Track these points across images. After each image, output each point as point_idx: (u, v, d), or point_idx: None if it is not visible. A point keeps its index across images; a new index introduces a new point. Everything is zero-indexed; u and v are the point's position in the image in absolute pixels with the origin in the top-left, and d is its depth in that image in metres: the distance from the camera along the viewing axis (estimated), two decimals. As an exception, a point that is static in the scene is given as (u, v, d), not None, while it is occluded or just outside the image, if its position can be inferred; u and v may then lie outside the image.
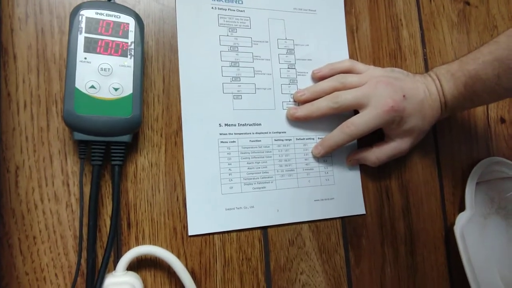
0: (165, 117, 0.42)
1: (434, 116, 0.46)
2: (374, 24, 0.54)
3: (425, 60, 0.56)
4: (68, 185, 0.38)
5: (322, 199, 0.47)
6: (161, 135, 0.42)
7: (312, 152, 0.47)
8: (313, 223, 0.47)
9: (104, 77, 0.35)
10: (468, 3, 0.61)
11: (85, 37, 0.35)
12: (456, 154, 0.56)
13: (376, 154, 0.47)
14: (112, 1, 0.38)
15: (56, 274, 0.37)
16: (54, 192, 0.37)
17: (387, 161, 0.48)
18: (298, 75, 0.48)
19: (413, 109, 0.44)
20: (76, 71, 0.34)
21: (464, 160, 0.56)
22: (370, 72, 0.47)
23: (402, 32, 0.56)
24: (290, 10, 0.49)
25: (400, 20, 0.56)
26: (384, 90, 0.44)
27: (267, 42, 0.48)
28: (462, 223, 0.50)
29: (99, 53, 0.35)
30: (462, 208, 0.53)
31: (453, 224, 0.51)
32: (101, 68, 0.35)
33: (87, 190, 0.37)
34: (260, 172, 0.45)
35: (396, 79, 0.45)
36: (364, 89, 0.44)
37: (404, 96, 0.44)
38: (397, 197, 0.51)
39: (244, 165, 0.44)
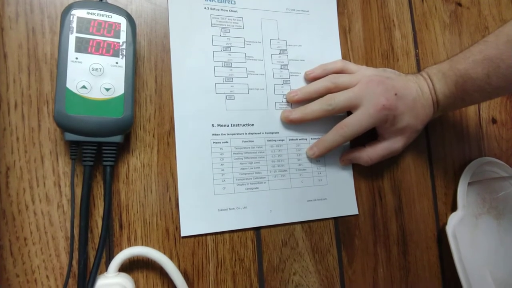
0: (157, 118, 0.42)
1: (427, 115, 0.47)
2: (366, 24, 0.54)
3: (418, 61, 0.56)
4: (59, 186, 0.37)
5: (315, 200, 0.47)
6: (153, 136, 0.42)
7: (306, 153, 0.47)
8: (306, 224, 0.47)
9: (96, 77, 0.35)
10: (460, 4, 0.61)
11: (77, 37, 0.34)
12: (448, 154, 0.56)
13: (369, 153, 0.47)
14: (103, 1, 0.38)
15: (47, 276, 0.36)
16: (45, 193, 0.37)
17: (380, 161, 0.48)
18: (291, 75, 0.48)
19: (406, 108, 0.45)
20: (67, 71, 0.34)
21: (456, 161, 0.56)
22: (362, 72, 0.47)
23: (395, 33, 0.56)
24: (283, 10, 0.49)
25: (393, 20, 0.56)
26: (375, 89, 0.44)
27: (260, 42, 0.48)
28: (454, 223, 0.51)
29: (91, 53, 0.35)
30: (454, 208, 0.54)
31: (445, 224, 0.51)
32: (93, 68, 0.35)
33: (78, 191, 0.37)
34: (253, 173, 0.45)
35: (388, 78, 0.46)
36: (356, 89, 0.44)
37: (396, 94, 0.44)
38: (390, 197, 0.52)
39: (237, 166, 0.44)
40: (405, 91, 0.45)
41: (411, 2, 0.58)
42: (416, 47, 0.57)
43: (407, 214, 0.52)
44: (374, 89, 0.44)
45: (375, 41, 0.54)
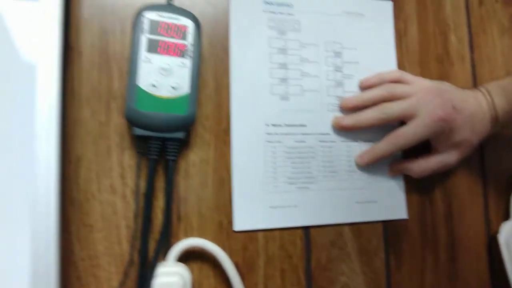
0: (215, 116, 0.44)
1: (484, 130, 0.46)
2: (422, 28, 0.54)
3: (473, 66, 0.55)
4: (124, 177, 0.40)
5: (364, 202, 0.47)
6: (211, 133, 0.43)
7: (356, 161, 0.47)
8: (354, 225, 0.47)
9: (164, 76, 0.37)
10: (521, 8, 0.59)
11: (148, 38, 0.37)
12: (502, 162, 0.55)
13: (422, 165, 0.47)
14: (170, 3, 0.40)
15: (109, 262, 0.39)
16: (111, 183, 0.39)
17: (431, 174, 0.47)
18: (345, 78, 0.49)
19: (463, 121, 0.44)
20: (139, 70, 0.36)
21: (510, 169, 0.55)
22: (419, 83, 0.47)
23: (450, 37, 0.55)
24: (339, 13, 0.50)
25: (448, 24, 0.55)
26: (433, 100, 0.43)
27: (315, 45, 0.48)
28: (506, 231, 0.49)
29: (160, 53, 0.37)
30: (505, 217, 0.52)
31: (496, 232, 0.50)
32: (162, 68, 0.37)
33: (141, 183, 0.39)
34: (304, 172, 0.46)
35: (446, 91, 0.45)
36: (412, 99, 0.44)
37: (453, 107, 0.43)
38: (440, 203, 0.51)
39: (289, 165, 0.45)
40: (463, 104, 0.44)
41: (468, 5, 0.57)
42: (472, 51, 0.56)
43: (457, 221, 0.51)
44: (431, 100, 0.43)
45: (430, 45, 0.54)
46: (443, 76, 0.53)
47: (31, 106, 0.32)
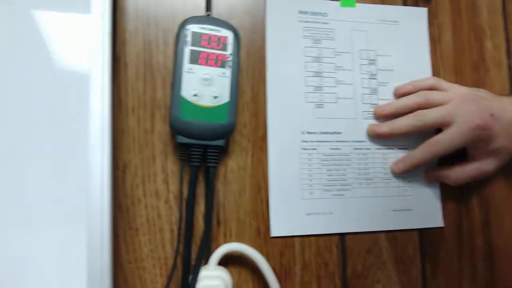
0: (252, 124, 0.45)
1: None
2: (456, 35, 0.53)
3: (510, 72, 0.55)
4: (167, 183, 0.41)
5: (400, 210, 0.47)
6: (248, 140, 0.44)
7: (391, 168, 0.48)
8: (390, 233, 0.47)
9: (205, 86, 0.38)
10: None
11: (191, 50, 0.38)
12: (542, 169, 0.54)
13: (458, 173, 0.46)
14: (209, 15, 0.42)
15: (153, 265, 0.40)
16: (155, 189, 0.41)
17: (468, 182, 0.47)
18: (379, 85, 0.49)
19: (501, 129, 0.43)
20: (182, 80, 0.38)
21: (551, 176, 0.54)
22: (455, 90, 0.46)
23: (486, 43, 0.54)
24: (373, 21, 0.50)
25: (484, 31, 0.55)
26: (470, 108, 0.43)
27: (349, 53, 0.49)
28: (548, 242, 0.48)
29: (201, 64, 0.39)
30: (547, 226, 0.51)
31: (537, 242, 0.49)
32: (203, 78, 0.38)
33: (183, 188, 0.41)
34: (339, 180, 0.46)
35: (483, 98, 0.45)
36: (449, 107, 0.44)
37: (492, 114, 0.43)
38: (477, 211, 0.50)
39: (324, 172, 0.46)
40: (501, 111, 0.44)
41: (505, 10, 0.56)
42: (509, 57, 0.55)
43: (495, 230, 0.50)
44: (468, 107, 0.43)
45: (465, 52, 0.53)
46: (478, 83, 0.53)
47: (85, 116, 0.34)
